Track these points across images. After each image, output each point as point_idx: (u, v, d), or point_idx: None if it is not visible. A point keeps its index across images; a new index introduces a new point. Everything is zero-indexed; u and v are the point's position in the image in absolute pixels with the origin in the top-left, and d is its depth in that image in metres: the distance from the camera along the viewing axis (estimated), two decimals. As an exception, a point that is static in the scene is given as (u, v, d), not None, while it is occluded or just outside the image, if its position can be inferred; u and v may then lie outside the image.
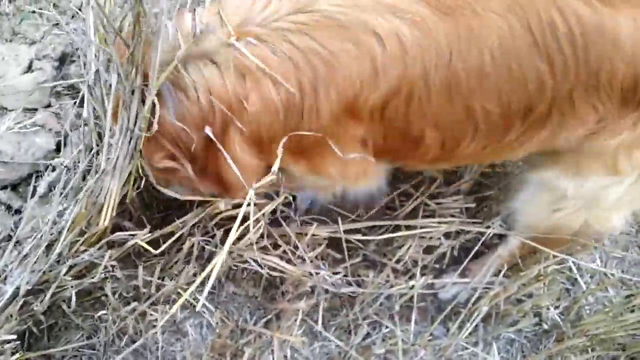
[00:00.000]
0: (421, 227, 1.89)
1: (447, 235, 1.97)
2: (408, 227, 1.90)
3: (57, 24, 2.24)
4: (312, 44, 1.28)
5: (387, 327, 1.92)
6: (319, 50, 1.28)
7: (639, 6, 1.23)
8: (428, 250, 1.96)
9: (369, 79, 1.30)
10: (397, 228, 1.92)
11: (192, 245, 1.65)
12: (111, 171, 1.46)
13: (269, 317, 1.84)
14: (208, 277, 1.79)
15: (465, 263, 1.89)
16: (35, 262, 1.51)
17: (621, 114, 1.34)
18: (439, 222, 1.91)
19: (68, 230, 1.54)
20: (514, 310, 1.96)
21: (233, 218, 1.69)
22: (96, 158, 1.62)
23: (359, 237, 1.83)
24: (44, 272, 1.51)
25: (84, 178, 1.64)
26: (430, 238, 1.95)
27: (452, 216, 1.99)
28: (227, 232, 1.67)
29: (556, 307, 2.08)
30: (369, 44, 1.28)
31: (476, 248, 1.85)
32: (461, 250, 2.01)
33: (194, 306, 1.83)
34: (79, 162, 1.85)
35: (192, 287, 1.54)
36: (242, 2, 1.35)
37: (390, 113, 1.35)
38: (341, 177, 1.56)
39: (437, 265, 1.98)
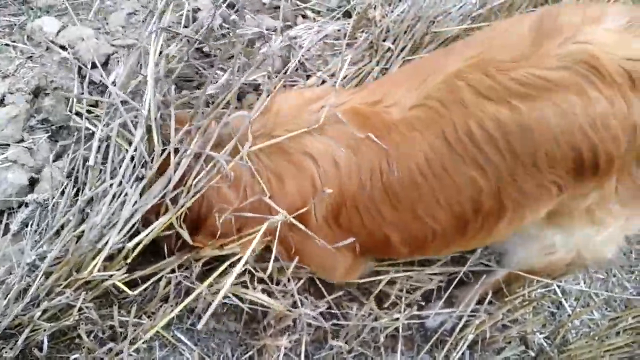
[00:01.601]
0: (404, 271, 1.90)
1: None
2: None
3: (31, 56, 2.21)
4: (268, 161, 1.49)
5: (372, 359, 1.88)
6: (272, 168, 1.49)
7: (559, 89, 1.27)
8: (413, 287, 1.94)
9: (310, 195, 1.45)
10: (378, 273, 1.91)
11: (169, 283, 1.60)
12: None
13: (251, 353, 1.79)
14: (190, 310, 1.77)
15: (449, 291, 1.87)
16: (7, 306, 1.45)
17: (578, 183, 1.38)
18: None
19: (45, 274, 1.49)
20: (500, 337, 1.95)
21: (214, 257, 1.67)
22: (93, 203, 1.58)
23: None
24: (16, 316, 1.45)
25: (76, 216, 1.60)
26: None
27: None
28: (207, 269, 1.65)
29: (542, 333, 2.07)
30: (307, 165, 1.45)
31: (458, 278, 1.83)
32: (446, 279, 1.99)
33: (173, 344, 1.77)
34: (53, 198, 1.81)
35: (167, 317, 1.53)
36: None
37: (344, 221, 1.49)
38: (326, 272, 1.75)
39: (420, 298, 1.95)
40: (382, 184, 1.42)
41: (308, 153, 1.46)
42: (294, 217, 1.44)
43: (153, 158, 1.56)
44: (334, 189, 1.45)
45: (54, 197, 1.80)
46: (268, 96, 1.55)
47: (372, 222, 1.49)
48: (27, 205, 1.82)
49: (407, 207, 1.45)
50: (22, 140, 1.91)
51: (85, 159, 1.78)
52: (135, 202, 1.52)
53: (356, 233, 1.49)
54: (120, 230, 1.50)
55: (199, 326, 1.43)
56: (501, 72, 1.30)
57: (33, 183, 1.87)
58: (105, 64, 2.20)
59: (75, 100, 1.98)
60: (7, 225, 1.81)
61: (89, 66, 2.15)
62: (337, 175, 1.44)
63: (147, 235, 1.50)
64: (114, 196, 1.55)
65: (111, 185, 1.56)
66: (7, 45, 2.23)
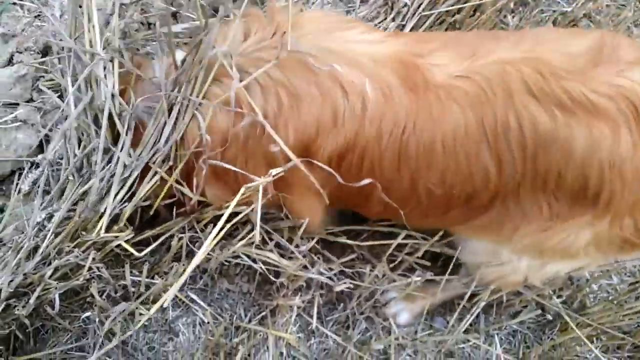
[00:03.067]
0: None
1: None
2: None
3: (39, 15, 2.17)
4: (282, 77, 1.34)
5: (385, 320, 1.87)
6: (287, 85, 1.34)
7: (598, 115, 1.23)
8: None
9: (328, 127, 1.34)
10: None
11: (181, 244, 1.58)
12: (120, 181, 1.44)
13: (264, 313, 1.78)
14: (203, 270, 1.76)
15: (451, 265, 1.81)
16: (18, 265, 1.45)
17: (572, 214, 1.36)
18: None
19: (54, 233, 1.48)
20: (516, 300, 1.91)
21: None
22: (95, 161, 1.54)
23: (352, 241, 1.79)
24: (27, 275, 1.45)
25: (76, 177, 1.57)
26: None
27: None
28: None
29: (559, 297, 2.02)
30: (335, 94, 1.33)
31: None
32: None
33: (186, 304, 1.77)
34: (61, 159, 1.79)
35: (182, 279, 1.49)
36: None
37: (346, 166, 1.40)
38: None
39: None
40: (400, 141, 1.34)
41: (338, 80, 1.33)
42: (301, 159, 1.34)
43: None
44: (353, 130, 1.35)
45: (62, 158, 1.79)
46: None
47: (369, 174, 1.39)
48: (37, 165, 1.82)
49: (411, 173, 1.39)
50: (31, 100, 1.89)
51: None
52: (125, 161, 1.47)
53: (347, 180, 1.39)
54: (119, 191, 1.47)
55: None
56: (555, 78, 1.25)
57: (43, 143, 1.85)
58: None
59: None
60: (17, 185, 1.80)
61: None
62: (360, 116, 1.34)
63: (141, 196, 1.47)
64: (108, 157, 1.51)
65: (94, 148, 1.50)
66: (14, 4, 2.19)
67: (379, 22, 2.17)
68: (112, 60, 1.51)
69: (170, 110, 1.45)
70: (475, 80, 1.30)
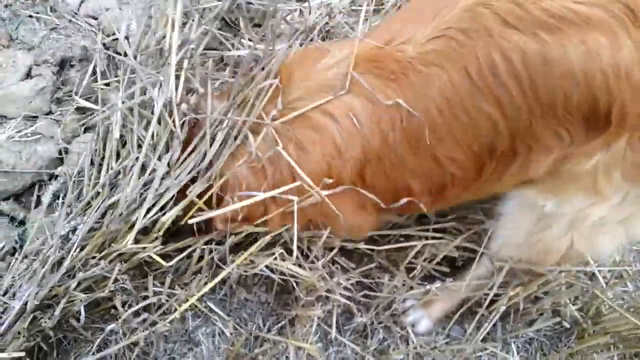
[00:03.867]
0: (427, 239, 1.85)
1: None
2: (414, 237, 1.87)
3: (55, 28, 2.19)
4: (288, 132, 1.42)
5: (403, 328, 1.88)
6: (294, 139, 1.41)
7: (587, 27, 1.18)
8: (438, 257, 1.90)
9: (335, 159, 1.40)
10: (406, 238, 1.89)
11: (202, 256, 1.60)
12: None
13: (283, 323, 1.79)
14: (222, 281, 1.77)
15: (478, 257, 1.81)
16: (43, 277, 1.47)
17: (588, 137, 1.30)
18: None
19: (79, 246, 1.50)
20: (533, 309, 1.92)
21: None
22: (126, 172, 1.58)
23: (370, 246, 1.81)
24: (52, 287, 1.47)
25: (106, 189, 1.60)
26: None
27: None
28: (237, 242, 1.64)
29: (574, 304, 2.03)
30: (327, 125, 1.38)
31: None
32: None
33: (206, 314, 1.78)
34: (82, 170, 1.81)
35: (204, 290, 1.53)
36: None
37: (369, 177, 1.44)
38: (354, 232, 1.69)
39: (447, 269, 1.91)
40: (403, 130, 1.34)
41: (327, 112, 1.38)
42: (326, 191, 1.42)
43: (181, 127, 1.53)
44: (357, 147, 1.39)
45: (83, 170, 1.80)
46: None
47: (395, 173, 1.43)
48: (57, 177, 1.83)
49: (427, 150, 1.37)
50: (50, 112, 1.91)
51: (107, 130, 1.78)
52: (164, 175, 1.50)
53: (381, 187, 1.46)
54: (154, 204, 1.50)
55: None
56: (531, 2, 1.21)
57: (62, 155, 1.87)
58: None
59: (99, 71, 1.97)
60: (38, 197, 1.82)
61: (111, 37, 2.14)
62: (358, 132, 1.37)
63: (180, 210, 1.49)
64: (142, 169, 1.54)
65: (137, 158, 1.54)
66: (30, 16, 2.21)
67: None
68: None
69: (214, 136, 1.50)
70: (447, 35, 1.27)
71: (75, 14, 2.24)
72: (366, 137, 1.38)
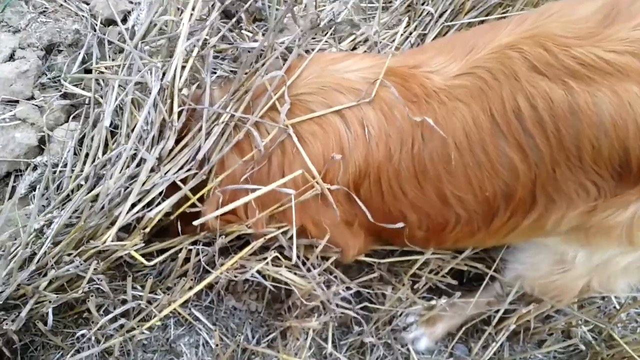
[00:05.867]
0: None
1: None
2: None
3: (44, 11, 2.06)
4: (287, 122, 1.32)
5: (403, 346, 1.73)
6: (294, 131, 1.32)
7: (621, 76, 1.12)
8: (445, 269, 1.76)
9: (334, 161, 1.30)
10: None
11: (188, 257, 1.45)
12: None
13: (274, 335, 1.64)
14: (209, 286, 1.63)
15: (486, 280, 1.68)
16: (10, 274, 1.32)
17: (619, 189, 1.23)
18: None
19: (53, 242, 1.36)
20: (544, 328, 1.78)
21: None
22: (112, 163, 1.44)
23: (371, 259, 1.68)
24: (19, 286, 1.32)
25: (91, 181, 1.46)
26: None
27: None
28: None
29: (586, 325, 1.89)
30: (334, 123, 1.30)
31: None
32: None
33: (190, 323, 1.64)
34: (64, 161, 1.68)
35: (188, 294, 1.39)
36: None
37: (364, 192, 1.35)
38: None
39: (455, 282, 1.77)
40: (412, 156, 1.28)
41: (338, 112, 1.31)
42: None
43: (173, 120, 1.40)
44: (361, 156, 1.31)
45: (65, 161, 1.67)
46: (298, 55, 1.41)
47: (392, 199, 1.36)
48: (35, 167, 1.69)
49: (434, 185, 1.31)
50: (32, 98, 1.77)
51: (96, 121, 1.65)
52: (153, 168, 1.37)
53: (373, 209, 1.36)
54: (139, 199, 1.36)
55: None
56: (561, 49, 1.16)
57: (43, 144, 1.73)
58: (123, 21, 2.04)
59: (93, 58, 1.84)
60: (13, 188, 1.68)
61: (105, 23, 2.02)
62: (365, 141, 1.30)
63: (170, 205, 1.36)
64: (131, 160, 1.41)
65: (125, 149, 1.40)
66: (19, -1, 2.09)
67: (402, 30, 2.07)
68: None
69: (211, 130, 1.38)
70: (476, 74, 1.24)
71: (67, -1, 2.12)
72: (372, 147, 1.29)
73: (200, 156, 1.37)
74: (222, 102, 1.40)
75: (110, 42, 1.90)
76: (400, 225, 1.35)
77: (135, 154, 1.40)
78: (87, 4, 2.10)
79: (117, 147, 1.47)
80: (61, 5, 2.11)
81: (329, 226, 1.41)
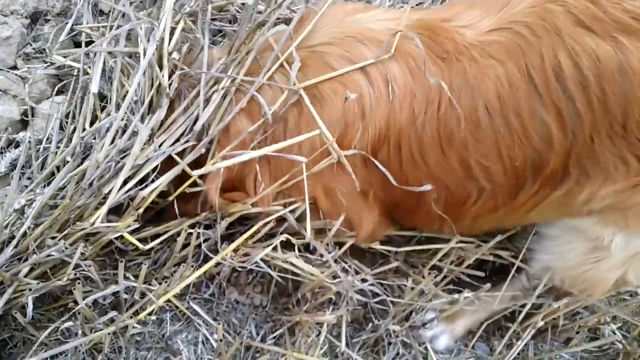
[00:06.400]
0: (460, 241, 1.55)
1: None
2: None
3: (30, -22, 1.89)
4: (304, 78, 1.19)
5: (421, 344, 1.59)
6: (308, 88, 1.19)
7: None
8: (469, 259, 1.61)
9: (354, 122, 1.19)
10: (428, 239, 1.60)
11: (188, 240, 1.30)
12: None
13: (281, 331, 1.49)
14: (210, 277, 1.48)
15: (512, 271, 1.54)
16: (-15, 258, 1.16)
17: None
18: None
19: (35, 223, 1.20)
20: (571, 326, 1.65)
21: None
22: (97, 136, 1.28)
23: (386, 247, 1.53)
24: (-6, 271, 1.16)
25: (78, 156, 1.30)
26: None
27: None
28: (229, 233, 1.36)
29: (614, 322, 1.76)
30: (356, 79, 1.18)
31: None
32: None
33: (188, 317, 1.48)
34: (49, 137, 1.52)
35: (186, 281, 1.24)
36: None
37: (383, 162, 1.21)
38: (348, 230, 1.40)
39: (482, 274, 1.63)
40: (437, 119, 1.16)
41: (356, 63, 1.18)
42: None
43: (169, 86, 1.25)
44: (382, 117, 1.18)
45: (50, 136, 1.51)
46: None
47: (411, 167, 1.23)
48: (18, 144, 1.53)
49: (459, 152, 1.19)
50: (15, 67, 1.61)
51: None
52: (148, 138, 1.22)
53: (388, 180, 1.22)
54: (133, 175, 1.21)
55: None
56: (611, 1, 1.04)
57: (26, 118, 1.57)
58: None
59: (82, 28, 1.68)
60: (-7, 165, 1.51)
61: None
62: (387, 100, 1.17)
63: (166, 181, 1.20)
64: (122, 132, 1.25)
65: (122, 119, 1.25)
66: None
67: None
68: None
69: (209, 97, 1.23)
70: (512, 29, 1.12)
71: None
72: (395, 108, 1.16)
73: (198, 127, 1.22)
74: (221, 64, 1.25)
75: (101, 14, 1.75)
76: (427, 187, 1.20)
77: (126, 126, 1.25)
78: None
79: (106, 118, 1.31)
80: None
81: (344, 196, 1.27)
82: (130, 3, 1.48)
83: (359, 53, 1.18)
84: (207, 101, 1.25)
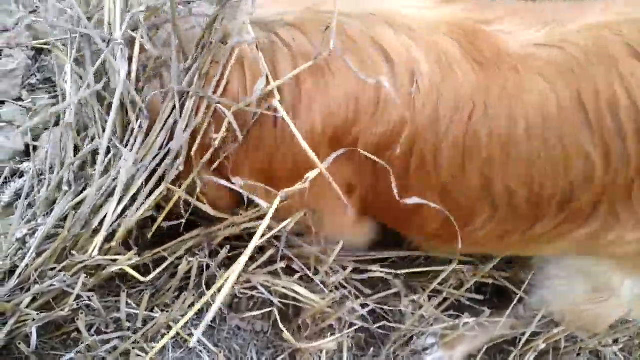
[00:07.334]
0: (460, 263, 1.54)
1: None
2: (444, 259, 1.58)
3: (34, 11, 1.94)
4: (304, 41, 1.06)
5: (421, 369, 1.59)
6: (310, 53, 1.04)
7: None
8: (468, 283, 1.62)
9: (367, 109, 1.06)
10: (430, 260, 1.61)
11: (190, 268, 1.31)
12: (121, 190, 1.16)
13: (282, 357, 1.50)
14: (208, 305, 1.48)
15: (515, 301, 1.54)
16: (-12, 289, 1.17)
17: None
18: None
19: (36, 253, 1.20)
20: (574, 348, 1.64)
21: (239, 237, 1.39)
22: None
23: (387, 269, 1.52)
24: (-2, 302, 1.17)
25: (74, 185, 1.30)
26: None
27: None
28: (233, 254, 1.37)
29: (616, 344, 1.76)
30: (377, 64, 1.04)
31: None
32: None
33: (188, 345, 1.48)
34: (52, 168, 1.53)
35: (188, 316, 1.23)
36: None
37: (387, 163, 1.06)
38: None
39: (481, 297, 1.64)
40: (466, 128, 1.04)
41: (380, 45, 1.05)
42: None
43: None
44: (399, 114, 1.05)
45: (53, 166, 1.53)
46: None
47: (419, 176, 1.10)
48: (22, 174, 1.55)
49: (481, 169, 1.07)
50: (19, 99, 1.64)
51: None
52: (135, 162, 1.20)
53: (390, 185, 1.09)
54: (120, 200, 1.20)
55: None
56: None
57: (30, 149, 1.59)
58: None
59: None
60: (-3, 196, 1.54)
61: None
62: (408, 95, 1.04)
63: (147, 208, 1.20)
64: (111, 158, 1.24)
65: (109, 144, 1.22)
66: (8, -2, 1.97)
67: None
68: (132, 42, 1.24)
69: (182, 106, 1.19)
70: (564, 48, 1.02)
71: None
72: (416, 105, 1.04)
73: (176, 145, 1.17)
74: (182, 70, 1.15)
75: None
76: (414, 201, 1.06)
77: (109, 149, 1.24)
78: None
79: (88, 145, 1.29)
80: (53, 5, 1.99)
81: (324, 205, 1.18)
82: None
83: (383, 36, 1.05)
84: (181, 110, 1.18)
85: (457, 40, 1.06)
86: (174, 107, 1.17)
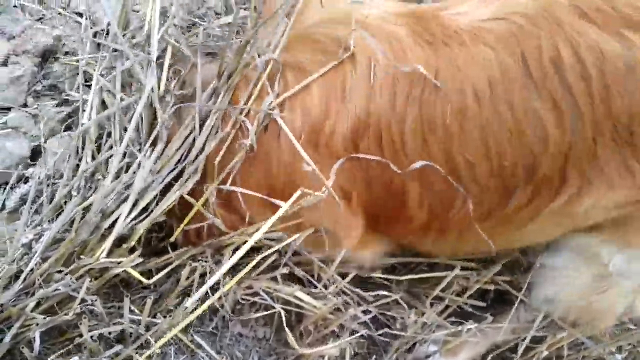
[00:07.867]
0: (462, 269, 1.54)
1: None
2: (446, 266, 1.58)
3: (41, 19, 1.96)
4: (289, 58, 1.17)
5: (425, 377, 1.59)
6: (294, 64, 1.16)
7: None
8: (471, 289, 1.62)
9: (338, 105, 1.12)
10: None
11: (193, 273, 1.32)
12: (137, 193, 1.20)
13: (284, 364, 1.50)
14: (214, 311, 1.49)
15: (517, 304, 1.54)
16: (-7, 293, 1.18)
17: None
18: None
19: (42, 258, 1.22)
20: (576, 357, 1.64)
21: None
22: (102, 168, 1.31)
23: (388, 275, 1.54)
24: (3, 307, 1.18)
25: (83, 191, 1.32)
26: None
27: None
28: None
29: (619, 352, 1.75)
30: (343, 63, 1.12)
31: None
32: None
33: (192, 350, 1.49)
34: (58, 173, 1.55)
35: (190, 318, 1.24)
36: None
37: (364, 152, 1.13)
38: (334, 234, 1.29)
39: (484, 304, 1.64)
40: (420, 104, 1.07)
41: (343, 43, 1.12)
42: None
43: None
44: (362, 104, 1.10)
45: (57, 171, 1.54)
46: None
47: (392, 159, 1.12)
48: (27, 180, 1.57)
49: (443, 145, 1.09)
50: (25, 105, 1.65)
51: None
52: (151, 171, 1.24)
53: (371, 176, 1.16)
54: (134, 206, 1.23)
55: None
56: None
57: (36, 155, 1.61)
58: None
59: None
60: (3, 202, 1.55)
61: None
62: (369, 83, 1.10)
63: (162, 211, 1.23)
64: (127, 166, 1.28)
65: (124, 154, 1.27)
66: (15, 7, 1.99)
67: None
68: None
69: (204, 122, 1.23)
70: (510, 19, 1.05)
71: (66, 8, 2.03)
72: (375, 94, 1.10)
73: (193, 155, 1.24)
74: (212, 88, 1.24)
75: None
76: (420, 164, 1.08)
77: (124, 156, 1.27)
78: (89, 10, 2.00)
79: (108, 151, 1.33)
80: (60, 13, 2.01)
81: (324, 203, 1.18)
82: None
83: (342, 32, 1.14)
84: (201, 127, 1.25)
85: (411, 27, 1.11)
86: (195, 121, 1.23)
